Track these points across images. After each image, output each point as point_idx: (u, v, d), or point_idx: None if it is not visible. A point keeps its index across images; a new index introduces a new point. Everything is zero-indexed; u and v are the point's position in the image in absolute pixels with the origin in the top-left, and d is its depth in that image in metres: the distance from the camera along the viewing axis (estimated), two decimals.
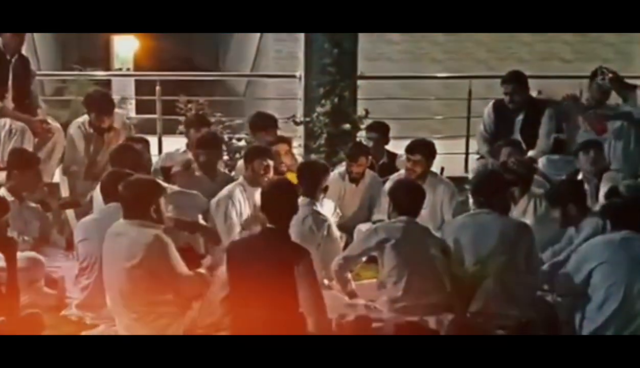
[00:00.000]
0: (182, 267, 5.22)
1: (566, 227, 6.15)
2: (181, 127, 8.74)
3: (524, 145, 7.59)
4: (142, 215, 5.18)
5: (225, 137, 8.86)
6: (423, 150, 7.07)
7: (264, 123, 7.85)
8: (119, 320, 5.34)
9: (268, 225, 5.11)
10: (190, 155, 7.49)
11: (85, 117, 7.70)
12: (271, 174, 6.78)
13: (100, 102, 7.73)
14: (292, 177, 6.99)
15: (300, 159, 8.10)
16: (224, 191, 6.62)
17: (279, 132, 7.91)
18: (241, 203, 6.61)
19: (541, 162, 7.59)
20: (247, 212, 6.65)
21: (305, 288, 4.84)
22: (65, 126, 7.82)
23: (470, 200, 6.47)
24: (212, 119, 8.75)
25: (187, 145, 7.87)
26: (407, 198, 5.80)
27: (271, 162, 6.79)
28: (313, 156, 8.63)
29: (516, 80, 7.95)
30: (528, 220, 6.27)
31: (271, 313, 4.79)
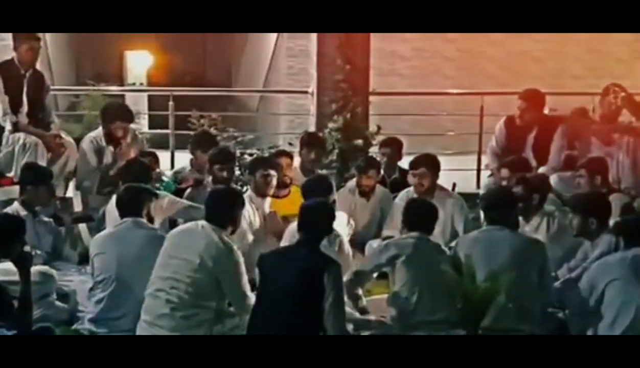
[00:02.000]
0: (245, 285, 5.40)
1: (581, 236, 6.12)
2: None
3: (534, 162, 7.58)
4: (224, 224, 5.45)
5: (238, 152, 8.89)
6: (425, 163, 7.11)
7: (310, 142, 8.05)
8: (152, 316, 5.38)
9: (301, 238, 5.27)
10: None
11: (98, 132, 7.74)
12: (274, 182, 6.90)
13: (118, 110, 7.84)
14: (296, 190, 7.04)
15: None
16: None
17: (282, 147, 7.99)
18: (250, 215, 6.67)
19: (552, 179, 7.58)
20: (256, 223, 6.76)
21: (330, 298, 4.97)
22: (78, 141, 7.86)
23: (482, 216, 6.47)
24: (225, 135, 8.78)
25: (191, 162, 7.90)
26: (421, 216, 5.82)
27: (273, 172, 6.89)
28: (325, 172, 8.64)
29: (530, 99, 7.93)
30: (540, 237, 6.26)
31: (295, 321, 4.92)
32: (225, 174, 7.18)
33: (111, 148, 7.67)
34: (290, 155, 7.56)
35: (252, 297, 5.39)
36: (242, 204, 5.80)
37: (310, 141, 8.07)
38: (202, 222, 5.52)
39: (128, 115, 7.78)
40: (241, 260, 5.43)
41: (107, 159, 7.66)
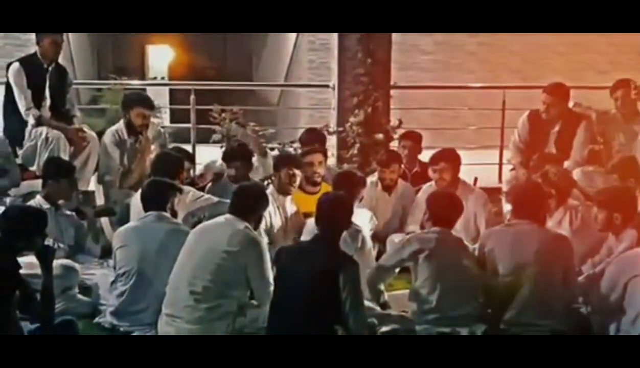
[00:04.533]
0: (270, 273, 5.43)
1: (606, 231, 6.07)
2: (215, 136, 8.78)
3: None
4: (247, 218, 5.53)
5: None
6: (445, 158, 7.08)
7: (310, 138, 7.98)
8: (174, 309, 5.39)
9: (319, 233, 5.25)
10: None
11: (119, 125, 7.75)
12: (297, 182, 6.87)
13: (138, 96, 7.86)
14: (328, 188, 7.01)
15: (332, 169, 8.11)
16: None
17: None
18: (271, 213, 6.63)
19: (575, 174, 7.53)
20: (276, 220, 6.73)
21: (346, 294, 4.94)
22: (100, 135, 7.87)
23: (505, 211, 6.45)
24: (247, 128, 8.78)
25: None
26: (445, 210, 5.80)
27: (298, 171, 6.87)
28: (346, 166, 8.63)
29: (555, 93, 7.87)
30: (563, 232, 6.22)
31: (312, 316, 4.91)
32: (232, 171, 7.20)
33: (132, 141, 7.67)
34: (323, 152, 7.51)
35: (271, 282, 5.41)
36: (267, 203, 5.84)
37: (309, 138, 8.03)
38: (226, 215, 5.58)
39: (148, 102, 7.78)
40: (266, 247, 5.50)
41: (129, 152, 7.67)
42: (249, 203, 5.63)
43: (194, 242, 5.53)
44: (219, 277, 5.34)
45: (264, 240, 5.86)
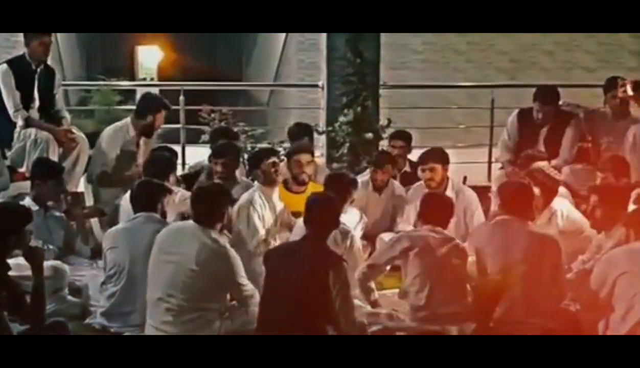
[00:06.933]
0: (245, 281, 5.40)
1: (599, 228, 6.10)
2: (205, 136, 8.79)
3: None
4: (211, 223, 5.40)
5: (249, 146, 8.90)
6: (434, 157, 7.09)
7: (298, 131, 8.02)
8: (156, 322, 5.35)
9: (307, 233, 5.26)
10: None
11: (125, 122, 7.70)
12: (280, 170, 6.85)
13: (162, 100, 7.85)
14: (314, 187, 7.01)
15: (321, 168, 8.12)
16: (244, 197, 6.62)
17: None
18: (262, 207, 6.61)
19: (564, 172, 7.56)
20: (268, 214, 6.70)
21: (336, 292, 4.96)
22: (89, 136, 7.84)
23: (493, 209, 6.47)
24: (236, 129, 8.79)
25: (210, 158, 7.91)
26: (436, 210, 5.83)
27: (277, 159, 6.84)
28: (335, 165, 8.64)
29: (547, 101, 7.85)
30: (552, 230, 6.25)
31: (302, 316, 4.91)
32: (219, 168, 7.18)
33: (142, 142, 7.66)
34: (311, 152, 7.49)
35: (254, 293, 5.40)
36: (230, 200, 5.75)
37: (297, 131, 8.05)
38: (190, 223, 5.47)
39: (168, 105, 7.85)
40: (236, 256, 5.40)
41: (133, 152, 7.63)
42: (208, 206, 5.47)
43: (160, 255, 5.39)
44: (191, 294, 5.25)
45: (246, 247, 5.77)
